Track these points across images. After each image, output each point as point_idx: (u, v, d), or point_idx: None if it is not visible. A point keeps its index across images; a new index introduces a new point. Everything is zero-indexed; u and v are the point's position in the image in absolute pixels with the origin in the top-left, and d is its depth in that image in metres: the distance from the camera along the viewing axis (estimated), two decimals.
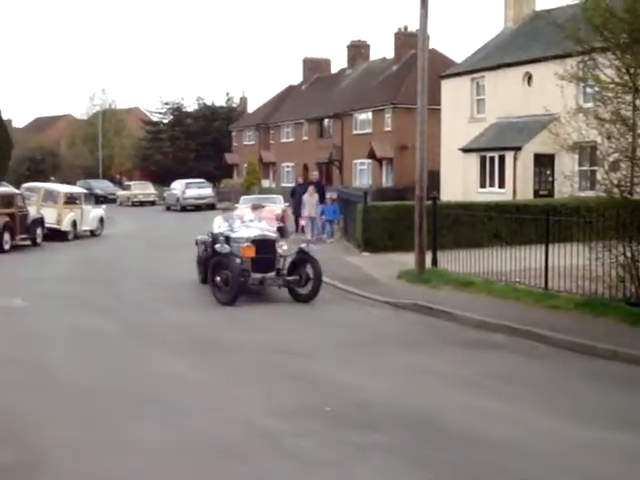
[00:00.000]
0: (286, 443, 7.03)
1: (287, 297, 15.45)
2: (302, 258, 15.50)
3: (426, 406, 8.20)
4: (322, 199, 27.85)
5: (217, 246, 15.10)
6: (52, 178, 51.42)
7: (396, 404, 8.25)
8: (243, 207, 23.98)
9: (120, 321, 13.08)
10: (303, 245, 15.88)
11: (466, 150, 35.01)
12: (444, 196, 32.66)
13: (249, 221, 17.02)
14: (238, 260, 14.94)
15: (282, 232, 28.75)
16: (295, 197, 30.30)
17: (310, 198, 27.32)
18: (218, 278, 14.90)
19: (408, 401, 8.37)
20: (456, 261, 16.55)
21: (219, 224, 16.75)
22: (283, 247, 15.69)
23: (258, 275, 15.10)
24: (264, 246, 15.28)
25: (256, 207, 18.18)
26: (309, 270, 15.29)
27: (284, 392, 8.71)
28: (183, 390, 8.82)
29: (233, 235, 15.70)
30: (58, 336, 11.87)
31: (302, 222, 28.30)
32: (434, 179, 38.31)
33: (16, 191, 28.72)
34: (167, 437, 7.18)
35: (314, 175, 32.33)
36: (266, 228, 16.73)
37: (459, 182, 34.72)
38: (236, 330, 12.55)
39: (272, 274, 15.34)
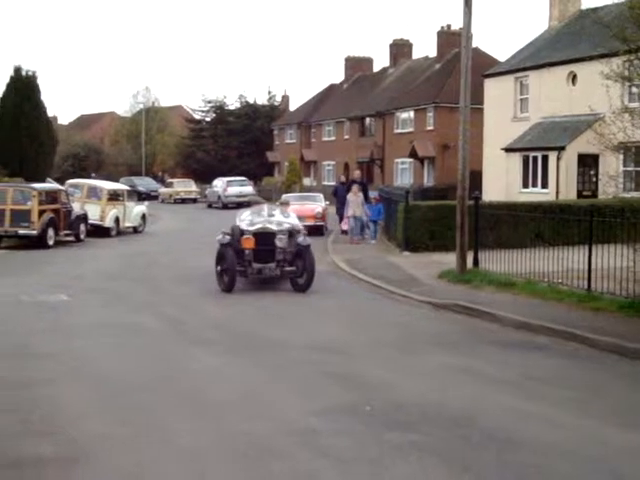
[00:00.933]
0: (324, 441, 7.01)
1: (326, 293, 15.92)
2: (298, 250, 16.48)
3: (465, 407, 8.14)
4: (366, 199, 27.08)
5: (218, 237, 16.40)
6: (93, 175, 51.42)
7: (435, 404, 8.19)
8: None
9: (160, 316, 13.20)
10: (300, 239, 16.65)
11: (509, 150, 34.75)
12: (486, 196, 32.45)
13: (269, 215, 17.62)
14: (247, 251, 16.25)
15: (322, 230, 28.95)
16: (337, 197, 29.68)
17: (354, 197, 26.20)
18: (219, 267, 16.26)
19: (447, 401, 8.31)
20: (498, 261, 16.42)
21: (243, 217, 17.59)
22: (282, 240, 16.51)
23: (258, 265, 16.39)
24: (264, 238, 16.41)
25: (283, 203, 21.04)
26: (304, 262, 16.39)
27: (323, 390, 8.69)
28: (221, 387, 8.85)
29: (244, 228, 16.70)
30: (99, 331, 11.99)
31: (343, 225, 27.31)
32: (476, 179, 38.09)
33: (60, 187, 29.07)
34: (204, 433, 7.21)
35: (356, 174, 31.03)
36: (284, 221, 17.34)
37: (501, 182, 34.48)
38: (274, 327, 12.62)
39: (272, 265, 16.43)
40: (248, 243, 16.25)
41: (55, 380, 9.02)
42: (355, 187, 26.70)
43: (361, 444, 6.95)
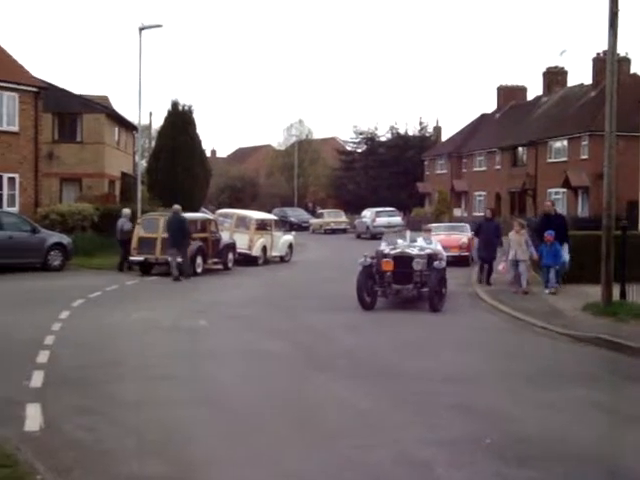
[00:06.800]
0: (438, 473, 6.81)
1: (462, 323, 15.81)
2: (429, 273, 17.45)
3: (593, 445, 7.71)
4: (564, 237, 20.65)
5: (360, 260, 17.78)
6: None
7: (561, 440, 7.79)
8: (433, 234, 24.98)
9: (292, 344, 13.24)
10: (435, 263, 17.62)
11: None
12: None
13: (411, 241, 19.06)
14: (387, 273, 17.44)
15: (467, 260, 28.55)
16: (480, 235, 22.88)
17: (517, 236, 20.81)
18: (359, 287, 17.43)
19: (575, 438, 7.88)
20: None
21: (386, 242, 19.32)
22: (420, 263, 17.58)
23: (397, 286, 17.64)
24: (402, 262, 17.64)
25: (427, 230, 21.19)
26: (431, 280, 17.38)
27: (444, 421, 8.45)
28: (342, 414, 8.75)
29: (385, 252, 18.03)
30: (231, 356, 12.16)
31: (500, 266, 21.80)
32: (634, 209, 36.60)
33: (210, 217, 29.89)
34: (317, 460, 7.13)
35: (547, 206, 22.42)
36: (425, 247, 18.67)
37: None
38: (405, 355, 12.45)
39: (410, 286, 17.66)
40: (387, 266, 17.53)
41: (179, 403, 9.16)
42: (516, 223, 21.63)
43: (477, 477, 6.72)
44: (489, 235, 22.29)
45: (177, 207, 25.18)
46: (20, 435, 7.65)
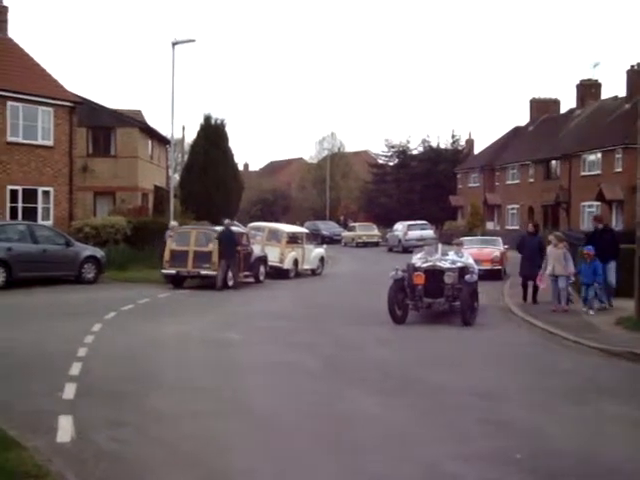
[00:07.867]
0: None
1: (494, 336, 15.61)
2: (461, 287, 17.43)
3: (625, 460, 7.62)
4: (615, 254, 19.54)
5: (392, 274, 17.76)
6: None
7: (592, 456, 7.72)
8: (466, 247, 24.62)
9: (322, 356, 13.24)
10: (467, 276, 17.56)
11: None
12: None
13: (443, 254, 18.89)
14: (418, 287, 17.43)
15: (500, 274, 28.41)
16: (524, 251, 21.47)
17: (555, 250, 19.56)
18: (390, 301, 17.40)
19: (606, 454, 7.81)
20: None
21: (418, 256, 19.18)
22: (451, 277, 17.57)
23: (428, 300, 17.57)
24: (433, 275, 17.59)
25: (458, 244, 20.71)
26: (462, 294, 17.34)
27: (474, 436, 8.40)
28: (370, 428, 8.72)
29: (417, 265, 17.97)
30: (261, 368, 12.20)
31: (540, 283, 20.40)
32: None
33: (241, 230, 29.99)
34: (346, 474, 7.14)
35: (596, 221, 21.29)
36: (457, 260, 18.62)
37: None
38: (434, 368, 12.42)
39: (441, 300, 17.62)
40: (419, 279, 17.50)
41: (209, 414, 9.22)
42: (555, 237, 20.16)
43: None
44: (533, 251, 21.03)
45: (228, 221, 26.95)
46: (52, 446, 7.73)
